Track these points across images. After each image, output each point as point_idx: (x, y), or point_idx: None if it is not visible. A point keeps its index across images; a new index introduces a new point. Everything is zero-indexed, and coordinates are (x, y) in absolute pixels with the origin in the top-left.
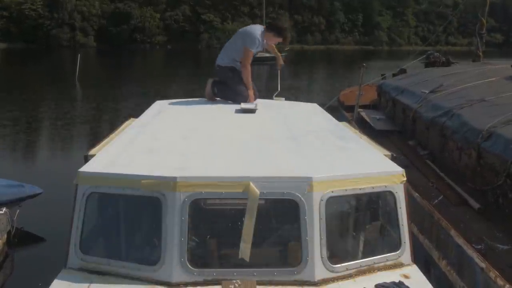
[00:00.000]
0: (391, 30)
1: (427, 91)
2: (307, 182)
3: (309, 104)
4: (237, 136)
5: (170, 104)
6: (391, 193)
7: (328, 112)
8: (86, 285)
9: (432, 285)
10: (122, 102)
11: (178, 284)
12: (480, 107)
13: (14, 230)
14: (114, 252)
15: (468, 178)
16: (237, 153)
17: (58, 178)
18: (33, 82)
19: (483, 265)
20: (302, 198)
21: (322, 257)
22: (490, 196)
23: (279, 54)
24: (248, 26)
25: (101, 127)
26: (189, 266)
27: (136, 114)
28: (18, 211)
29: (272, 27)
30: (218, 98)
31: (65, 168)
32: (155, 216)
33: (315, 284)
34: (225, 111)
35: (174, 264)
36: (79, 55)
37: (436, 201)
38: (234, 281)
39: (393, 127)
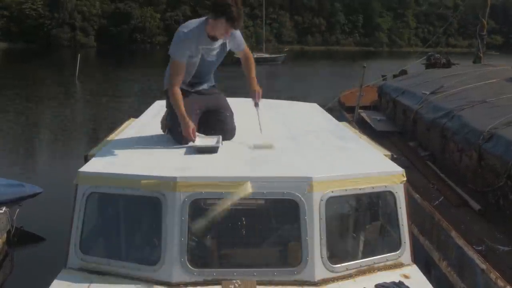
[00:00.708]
0: (391, 32)
1: (427, 92)
2: (307, 182)
3: (309, 104)
4: (237, 136)
5: None
6: (391, 193)
7: (329, 113)
8: (86, 285)
9: (433, 286)
10: (122, 102)
11: (178, 284)
12: (481, 108)
13: (14, 230)
14: (114, 252)
15: (469, 179)
16: (237, 153)
17: (58, 178)
18: (33, 82)
19: (483, 266)
20: (302, 198)
21: (322, 257)
22: (491, 197)
23: (256, 88)
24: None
25: (101, 127)
26: (189, 266)
27: (136, 114)
28: (18, 210)
29: (212, 6)
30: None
31: (65, 168)
32: (155, 216)
33: (315, 284)
34: None
35: (174, 264)
36: (79, 55)
37: (437, 202)
38: (234, 281)
39: (393, 128)
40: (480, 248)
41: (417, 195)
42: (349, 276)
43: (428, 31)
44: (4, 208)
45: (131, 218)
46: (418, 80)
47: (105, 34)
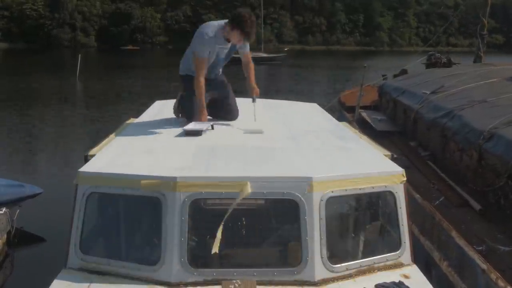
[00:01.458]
0: (392, 31)
1: (428, 92)
2: (307, 182)
3: (309, 104)
4: (237, 136)
5: (170, 104)
6: (391, 193)
7: (329, 113)
8: (86, 285)
9: (433, 286)
10: (122, 102)
11: (178, 284)
12: (481, 108)
13: (14, 230)
14: (114, 252)
15: (469, 179)
16: (237, 153)
17: (58, 178)
18: (34, 82)
19: (484, 266)
20: (302, 198)
21: (322, 257)
22: (491, 197)
23: (254, 86)
24: (206, 23)
25: (101, 127)
26: (189, 266)
27: (136, 114)
28: (18, 211)
29: (231, 18)
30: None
31: (65, 168)
32: (155, 216)
33: (315, 284)
34: None
35: (174, 264)
36: (79, 55)
37: (437, 202)
38: (234, 281)
39: (394, 128)
40: (480, 248)
41: (417, 195)
42: (349, 276)
43: (429, 30)
44: (4, 209)
45: (131, 218)
46: (418, 80)
47: (106, 34)
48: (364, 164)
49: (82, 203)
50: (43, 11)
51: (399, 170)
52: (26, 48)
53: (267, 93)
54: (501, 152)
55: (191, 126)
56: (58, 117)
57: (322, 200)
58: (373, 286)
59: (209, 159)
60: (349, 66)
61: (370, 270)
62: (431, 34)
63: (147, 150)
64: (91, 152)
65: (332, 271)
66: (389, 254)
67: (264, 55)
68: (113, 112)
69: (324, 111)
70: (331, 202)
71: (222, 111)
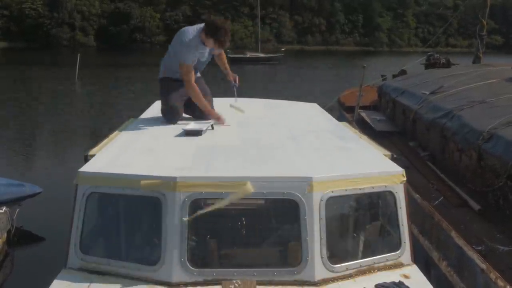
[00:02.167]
0: (391, 32)
1: (427, 93)
2: (307, 182)
3: (309, 104)
4: (237, 136)
5: None
6: (391, 193)
7: (329, 113)
8: (86, 285)
9: (433, 286)
10: (122, 102)
11: (178, 284)
12: (480, 108)
13: (14, 229)
14: (114, 252)
15: (468, 179)
16: (237, 153)
17: (58, 178)
18: (33, 81)
19: (483, 266)
20: (302, 198)
21: (322, 257)
22: (490, 197)
23: (229, 70)
24: (185, 28)
25: (101, 127)
26: (189, 266)
27: (136, 114)
28: (18, 210)
29: (205, 26)
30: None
31: (65, 168)
32: (155, 216)
33: (315, 284)
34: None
35: (174, 264)
36: (79, 54)
37: (437, 202)
38: (234, 281)
39: (393, 128)
40: (480, 248)
41: (417, 195)
42: (349, 276)
43: (428, 31)
44: (4, 208)
45: (131, 218)
46: (417, 80)
47: (105, 34)
48: (364, 164)
49: (82, 203)
50: (42, 10)
51: (399, 170)
52: (25, 47)
53: (267, 93)
54: (500, 152)
55: (191, 126)
56: (58, 117)
57: (322, 200)
58: (373, 286)
59: (209, 159)
60: (349, 66)
61: (370, 270)
62: (430, 35)
63: (147, 150)
64: (91, 152)
65: (332, 271)
66: (389, 254)
67: (261, 55)
68: (113, 112)
69: (324, 111)
70: (331, 202)
71: (197, 110)
